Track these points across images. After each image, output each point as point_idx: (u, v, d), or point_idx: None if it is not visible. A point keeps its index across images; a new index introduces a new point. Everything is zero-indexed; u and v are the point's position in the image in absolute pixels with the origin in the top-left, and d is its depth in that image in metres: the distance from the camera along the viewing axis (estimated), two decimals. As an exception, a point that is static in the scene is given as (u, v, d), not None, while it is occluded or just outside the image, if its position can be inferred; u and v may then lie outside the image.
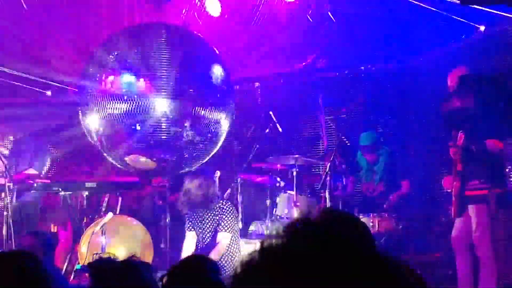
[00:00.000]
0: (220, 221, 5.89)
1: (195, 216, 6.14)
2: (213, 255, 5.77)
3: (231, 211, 5.98)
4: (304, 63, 7.87)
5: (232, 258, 5.94)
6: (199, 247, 6.07)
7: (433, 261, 6.32)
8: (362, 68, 8.17)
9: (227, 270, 5.85)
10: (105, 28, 8.19)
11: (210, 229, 5.98)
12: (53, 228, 7.56)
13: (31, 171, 7.30)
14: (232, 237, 5.93)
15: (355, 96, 8.02)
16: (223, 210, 5.95)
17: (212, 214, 5.98)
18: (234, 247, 5.98)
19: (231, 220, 5.92)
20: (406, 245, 6.49)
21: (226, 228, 5.88)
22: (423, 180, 7.51)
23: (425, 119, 7.58)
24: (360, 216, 6.34)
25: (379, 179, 7.10)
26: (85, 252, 6.36)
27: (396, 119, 8.02)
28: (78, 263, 6.51)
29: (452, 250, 5.72)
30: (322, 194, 6.58)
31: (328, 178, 5.82)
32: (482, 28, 6.48)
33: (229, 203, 6.18)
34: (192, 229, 6.13)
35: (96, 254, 5.91)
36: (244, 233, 6.92)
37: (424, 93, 7.54)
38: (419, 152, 7.68)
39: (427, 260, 6.28)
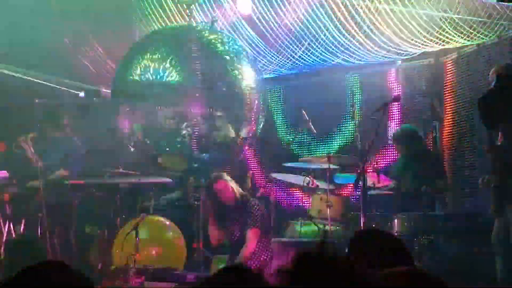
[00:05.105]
0: (248, 219, 5.89)
1: (225, 214, 6.14)
2: (243, 253, 5.78)
3: (260, 208, 6.00)
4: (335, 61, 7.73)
5: (260, 255, 5.91)
6: (229, 245, 6.09)
7: (473, 260, 6.15)
8: (399, 62, 7.99)
9: (256, 266, 5.80)
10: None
11: (239, 226, 5.98)
12: (88, 229, 7.61)
13: (65, 172, 7.31)
14: (261, 233, 5.90)
15: (391, 92, 7.86)
16: (251, 207, 5.96)
17: (241, 212, 6.00)
18: (263, 244, 5.95)
19: (259, 217, 5.91)
20: (444, 244, 6.33)
21: (254, 224, 5.86)
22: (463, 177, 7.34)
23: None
24: (396, 217, 6.18)
25: (413, 177, 6.83)
26: (119, 253, 6.38)
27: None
28: (112, 264, 6.53)
29: (492, 249, 5.58)
30: (356, 193, 6.46)
31: (362, 177, 5.66)
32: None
33: (257, 200, 6.19)
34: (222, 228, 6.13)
35: (131, 255, 5.93)
36: (277, 233, 6.85)
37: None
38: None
39: (467, 259, 6.11)
